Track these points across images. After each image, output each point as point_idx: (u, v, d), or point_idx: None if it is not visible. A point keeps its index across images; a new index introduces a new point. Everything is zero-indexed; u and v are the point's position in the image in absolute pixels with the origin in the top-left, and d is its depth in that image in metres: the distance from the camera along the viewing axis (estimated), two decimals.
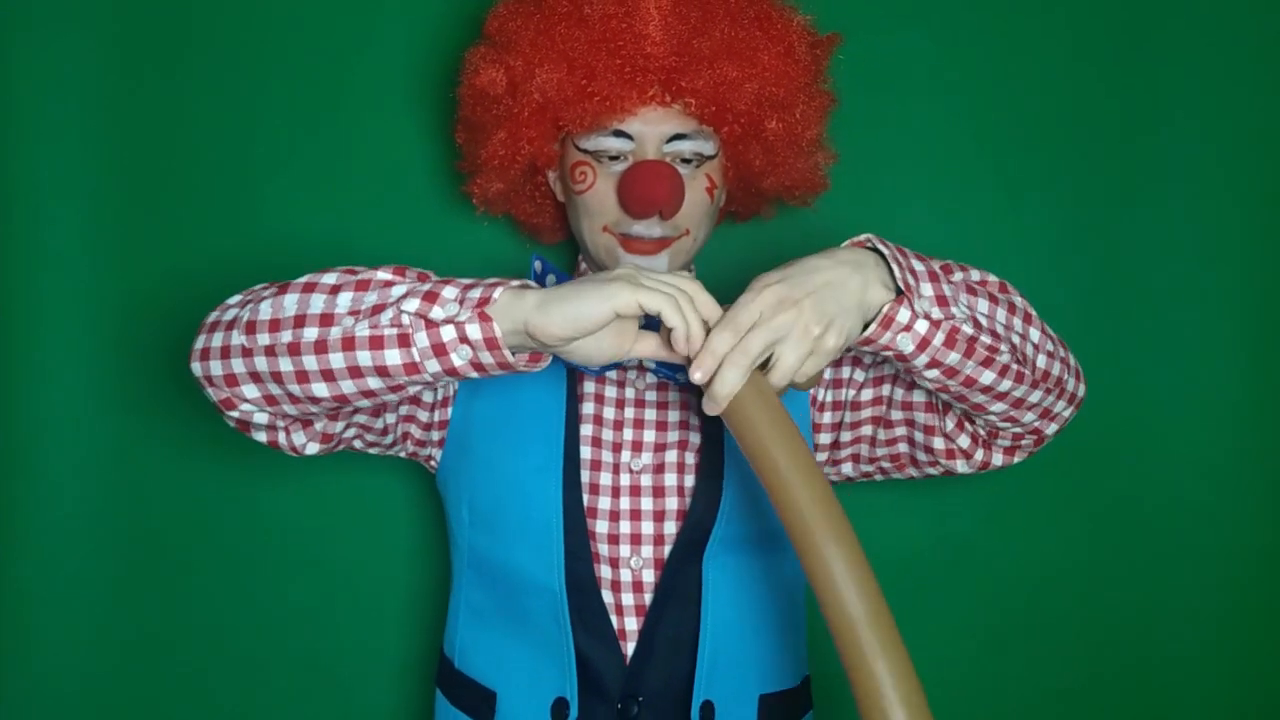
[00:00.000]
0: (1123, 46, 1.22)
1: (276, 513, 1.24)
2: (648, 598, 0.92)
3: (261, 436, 0.83)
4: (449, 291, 0.72)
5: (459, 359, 0.71)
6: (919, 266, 0.77)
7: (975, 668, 1.24)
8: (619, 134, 0.91)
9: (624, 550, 0.92)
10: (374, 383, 0.74)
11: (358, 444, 0.95)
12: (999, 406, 0.84)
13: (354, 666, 1.24)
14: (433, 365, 0.72)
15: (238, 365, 0.76)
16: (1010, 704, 1.24)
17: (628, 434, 0.95)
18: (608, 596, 0.92)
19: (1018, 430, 0.88)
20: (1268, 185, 1.22)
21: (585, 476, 0.93)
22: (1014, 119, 1.22)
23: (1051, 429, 0.90)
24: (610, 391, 0.96)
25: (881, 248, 0.77)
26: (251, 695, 1.23)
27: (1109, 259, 1.23)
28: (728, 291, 1.20)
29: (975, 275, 0.84)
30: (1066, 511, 1.24)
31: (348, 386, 0.74)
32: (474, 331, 0.70)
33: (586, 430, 0.95)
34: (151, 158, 1.20)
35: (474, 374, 0.73)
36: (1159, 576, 1.24)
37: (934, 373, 0.79)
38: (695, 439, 0.96)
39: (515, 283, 0.73)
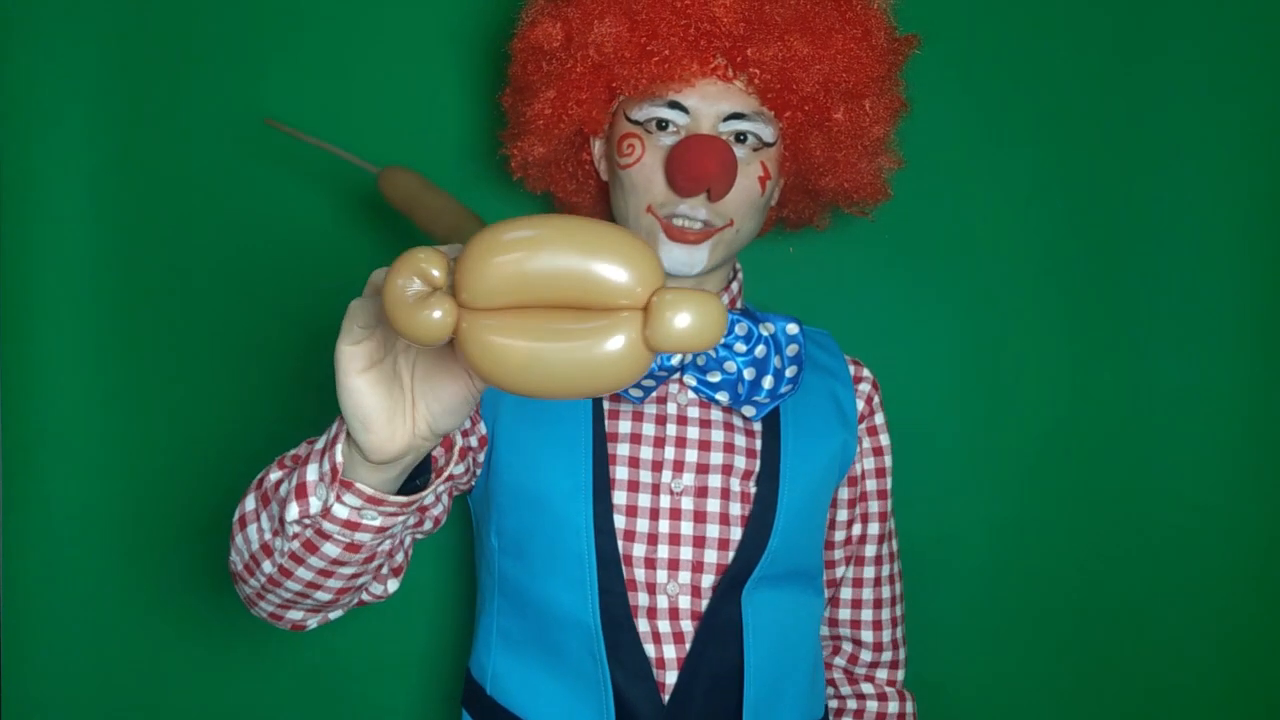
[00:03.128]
0: (1126, 44, 1.21)
1: None
2: (684, 625, 0.87)
3: (343, 612, 0.80)
4: (311, 474, 0.64)
5: (372, 520, 0.63)
6: None
7: (974, 666, 1.24)
8: (674, 105, 0.84)
9: (661, 576, 0.87)
10: (345, 570, 0.68)
11: (419, 536, 0.89)
12: None
13: (377, 683, 1.20)
14: (364, 536, 0.64)
15: (267, 606, 0.74)
16: (1009, 702, 1.25)
17: (669, 452, 0.88)
18: (643, 625, 0.86)
19: None
20: (1269, 183, 1.23)
21: (621, 498, 0.87)
22: (1016, 120, 1.21)
23: None
24: (650, 408, 0.90)
25: None
26: (270, 709, 1.19)
27: (1111, 258, 1.22)
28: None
29: None
30: (1066, 510, 1.24)
31: (335, 582, 0.69)
32: (352, 500, 0.62)
33: (623, 450, 0.88)
34: (159, 132, 1.16)
35: (400, 519, 0.65)
36: (1159, 575, 1.25)
37: None
38: (741, 463, 0.89)
39: (337, 434, 0.63)
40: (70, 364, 1.17)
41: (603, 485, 0.86)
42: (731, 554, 0.88)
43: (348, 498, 0.62)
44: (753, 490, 0.89)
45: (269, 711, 1.19)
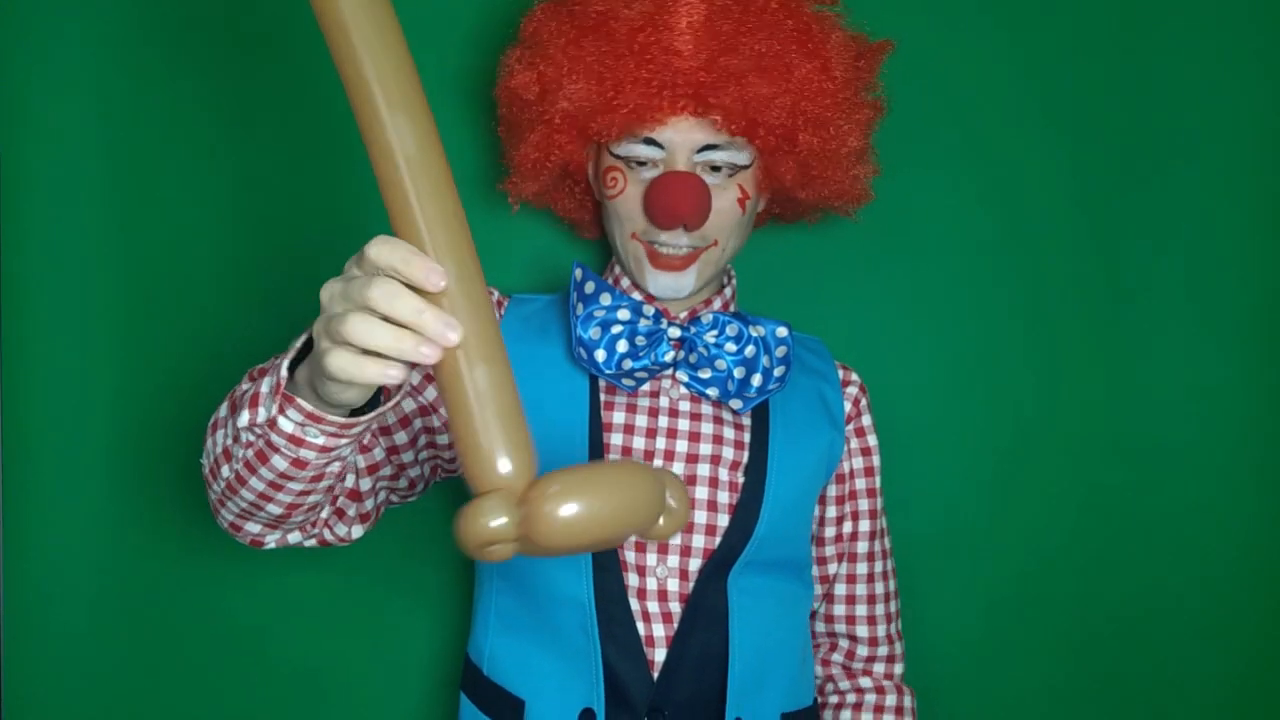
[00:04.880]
0: (1125, 39, 1.21)
1: None
2: (672, 606, 0.91)
3: (312, 544, 0.87)
4: (265, 386, 0.69)
5: (315, 438, 0.68)
6: None
7: (974, 665, 1.23)
8: (650, 142, 0.90)
9: (650, 559, 0.91)
10: (295, 485, 0.72)
11: (394, 499, 0.95)
12: None
13: (376, 670, 1.23)
14: (307, 454, 0.69)
15: (227, 515, 0.79)
16: (1008, 701, 1.23)
17: (660, 443, 0.94)
18: (634, 604, 0.91)
19: None
20: (1268, 183, 1.21)
21: None
22: (1027, 123, 1.22)
23: None
24: (644, 401, 0.95)
25: None
26: (273, 699, 1.22)
27: (1107, 258, 1.22)
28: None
29: None
30: (1066, 509, 1.23)
31: (285, 497, 0.74)
32: (294, 415, 0.67)
33: (616, 439, 0.93)
34: (159, 131, 1.19)
35: (344, 440, 0.69)
36: (1158, 574, 1.23)
37: None
38: (729, 454, 0.94)
39: (292, 351, 0.68)
40: (70, 364, 1.18)
41: None
42: (718, 540, 0.92)
43: (290, 412, 0.66)
44: (741, 480, 0.93)
45: (272, 701, 1.22)
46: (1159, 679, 1.23)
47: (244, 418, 0.69)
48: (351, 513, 0.88)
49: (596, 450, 0.92)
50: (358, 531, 0.89)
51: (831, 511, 1.04)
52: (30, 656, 1.20)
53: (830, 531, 1.04)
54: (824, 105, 0.90)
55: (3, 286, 1.19)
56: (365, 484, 0.89)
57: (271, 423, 0.67)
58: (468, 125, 1.20)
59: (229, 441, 0.73)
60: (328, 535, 0.87)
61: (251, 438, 0.70)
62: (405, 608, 1.23)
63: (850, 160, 0.96)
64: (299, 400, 0.66)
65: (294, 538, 0.85)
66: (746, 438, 0.95)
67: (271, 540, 0.83)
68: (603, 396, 0.95)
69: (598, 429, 0.93)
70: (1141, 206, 1.22)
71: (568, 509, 0.55)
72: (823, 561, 1.05)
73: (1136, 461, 1.23)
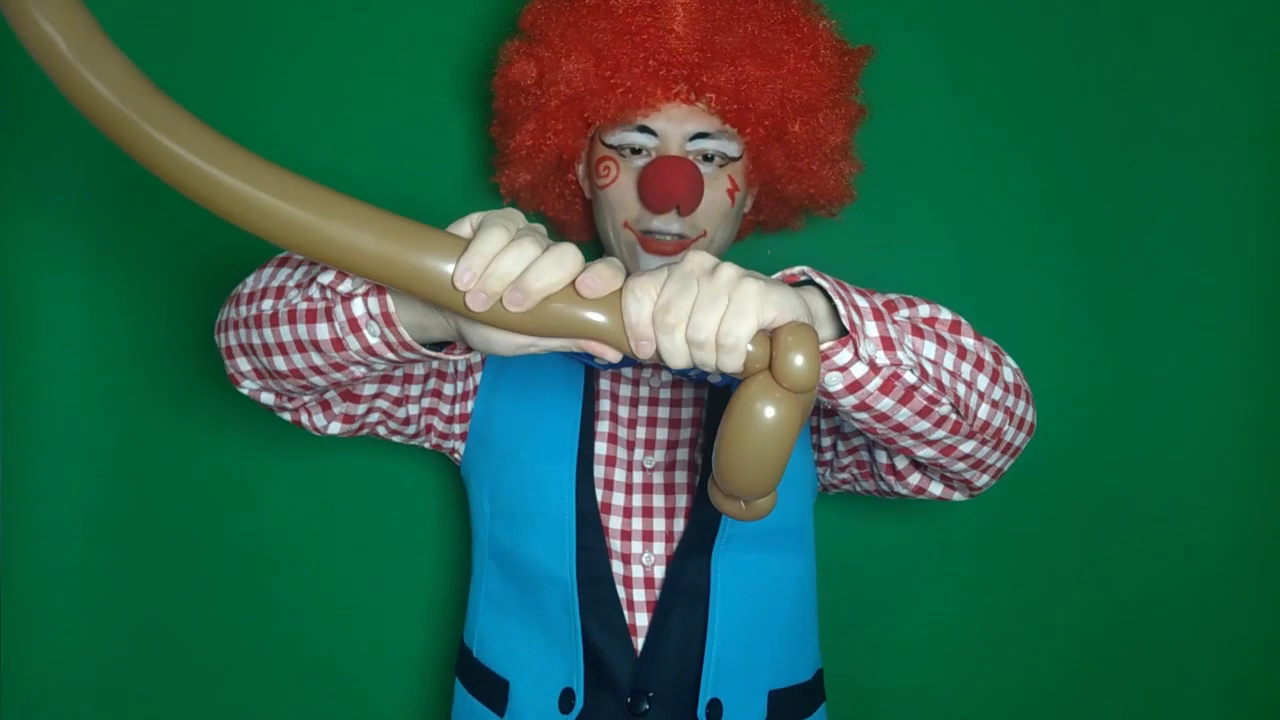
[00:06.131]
0: (1124, 34, 1.23)
1: (301, 503, 1.24)
2: (659, 594, 0.92)
3: (285, 416, 0.85)
4: None
5: (372, 336, 0.68)
6: (862, 303, 0.67)
7: (973, 666, 1.23)
8: (643, 129, 0.92)
9: (636, 546, 0.93)
10: (317, 358, 0.72)
11: (381, 430, 0.95)
12: (927, 452, 0.76)
13: (376, 657, 1.24)
14: (353, 342, 0.69)
15: (233, 338, 0.78)
16: (1008, 702, 1.23)
17: (641, 432, 0.95)
18: (621, 591, 0.92)
19: (946, 475, 0.83)
20: (1268, 185, 1.22)
21: (601, 472, 0.94)
22: (1017, 122, 1.23)
23: (983, 480, 0.82)
24: (625, 390, 0.97)
25: (820, 281, 0.67)
26: (273, 685, 1.24)
27: (1111, 258, 1.23)
28: None
29: (924, 311, 0.75)
30: (1066, 510, 1.24)
31: (299, 360, 0.73)
32: (373, 305, 0.67)
33: (604, 427, 0.95)
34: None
35: (392, 355, 0.69)
36: (1158, 576, 1.24)
37: (862, 415, 0.71)
38: (704, 436, 0.95)
39: None
40: (70, 364, 1.20)
41: (586, 457, 0.94)
42: (692, 518, 0.93)
43: (371, 302, 0.67)
44: (705, 456, 0.94)
45: (272, 691, 1.23)
46: (1159, 680, 1.24)
47: (328, 275, 0.69)
48: (337, 410, 0.87)
49: (587, 437, 0.94)
50: (334, 428, 0.87)
51: (826, 441, 0.99)
52: (29, 661, 1.21)
53: (827, 441, 0.98)
54: (813, 93, 0.93)
55: (3, 286, 1.20)
56: (368, 389, 0.87)
57: (348, 296, 0.67)
58: (466, 124, 1.22)
59: (290, 282, 0.73)
60: (304, 418, 0.85)
61: (316, 294, 0.70)
62: (406, 597, 1.25)
63: (835, 154, 0.98)
64: (388, 297, 0.66)
65: (268, 398, 0.82)
66: (704, 415, 0.96)
67: (249, 387, 0.81)
68: (595, 385, 0.97)
69: (590, 418, 0.95)
70: (1149, 205, 1.23)
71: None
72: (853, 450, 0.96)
73: (1144, 461, 1.23)
